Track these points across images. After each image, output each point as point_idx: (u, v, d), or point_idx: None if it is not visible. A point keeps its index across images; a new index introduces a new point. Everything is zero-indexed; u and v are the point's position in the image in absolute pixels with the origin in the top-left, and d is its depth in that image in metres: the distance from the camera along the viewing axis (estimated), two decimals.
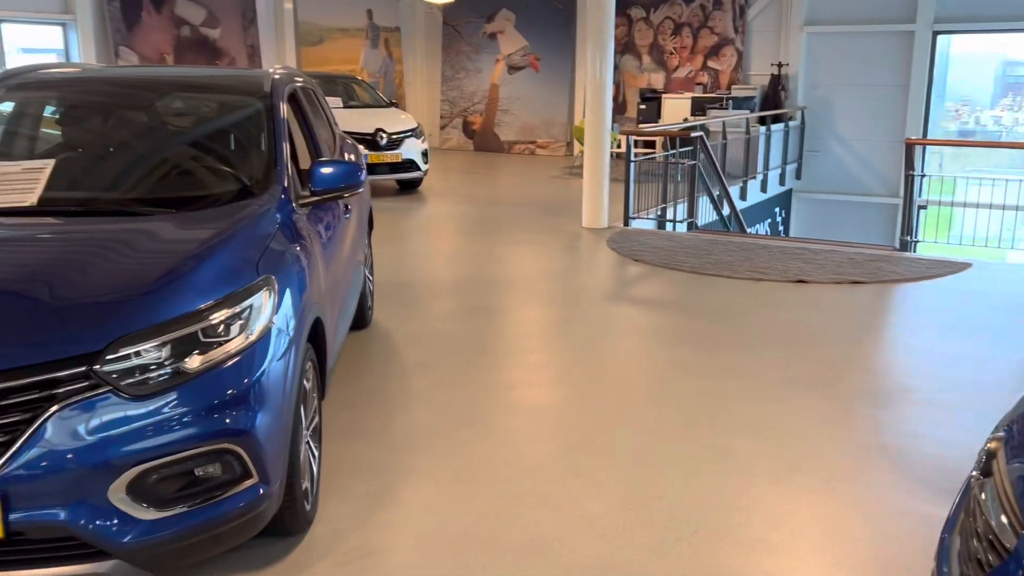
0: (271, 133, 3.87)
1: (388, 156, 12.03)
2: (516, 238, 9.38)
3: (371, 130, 11.92)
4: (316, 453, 3.51)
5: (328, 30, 18.13)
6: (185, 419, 2.57)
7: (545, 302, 6.86)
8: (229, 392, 2.67)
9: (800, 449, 4.14)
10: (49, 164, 3.46)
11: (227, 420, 2.64)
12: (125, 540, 2.50)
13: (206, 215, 3.33)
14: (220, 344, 2.70)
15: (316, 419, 3.53)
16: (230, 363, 2.69)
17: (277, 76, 4.33)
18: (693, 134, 10.52)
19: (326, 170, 3.81)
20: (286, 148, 3.84)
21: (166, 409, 2.54)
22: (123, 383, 2.50)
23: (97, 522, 2.46)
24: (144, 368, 2.55)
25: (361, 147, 11.65)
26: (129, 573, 2.53)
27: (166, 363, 2.59)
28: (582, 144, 14.89)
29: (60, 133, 4.05)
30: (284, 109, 4.06)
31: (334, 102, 12.71)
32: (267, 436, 2.76)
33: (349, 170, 3.85)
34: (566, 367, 5.32)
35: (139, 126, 4.05)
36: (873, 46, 15.68)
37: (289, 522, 3.15)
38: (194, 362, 2.62)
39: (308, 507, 3.30)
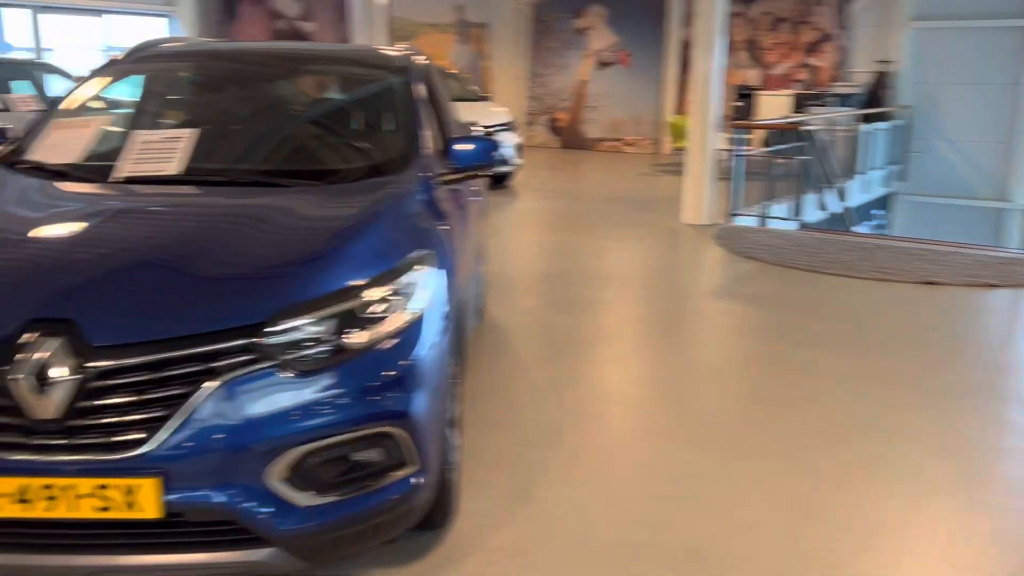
0: (409, 108, 3.69)
1: None
2: (615, 233, 9.11)
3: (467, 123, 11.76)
4: (458, 443, 3.31)
5: (419, 25, 18.12)
6: (345, 399, 2.38)
7: (660, 297, 6.57)
8: (389, 372, 2.47)
9: (972, 461, 3.78)
10: (191, 133, 3.34)
11: (387, 402, 2.45)
12: (284, 527, 2.32)
13: (351, 188, 3.16)
14: (380, 321, 2.51)
15: (457, 407, 3.33)
16: (390, 342, 2.50)
17: (411, 52, 4.16)
18: (807, 127, 10.08)
19: (464, 147, 3.62)
20: (426, 123, 3.65)
21: (325, 388, 2.36)
22: (284, 358, 2.32)
23: (255, 506, 2.29)
24: (305, 343, 2.37)
25: None
26: (286, 562, 2.35)
27: (327, 339, 2.40)
28: (676, 140, 14.54)
29: (195, 104, 3.94)
30: (421, 84, 3.89)
31: None
32: (425, 421, 2.56)
33: (486, 147, 3.65)
34: (694, 364, 5.03)
35: (275, 99, 3.92)
36: (984, 42, 14.91)
37: (436, 514, 2.95)
38: (355, 339, 2.43)
39: (453, 499, 3.10)
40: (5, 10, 13.62)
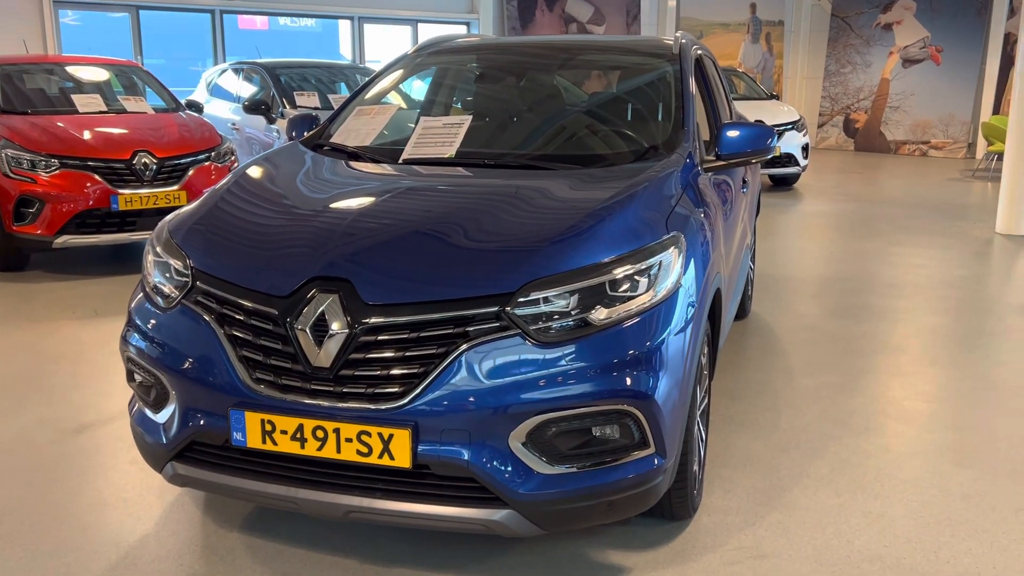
0: (679, 94, 3.66)
1: None
2: (911, 240, 8.38)
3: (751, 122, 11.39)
4: (704, 436, 3.23)
5: (708, 25, 17.86)
6: (586, 373, 2.41)
7: (958, 310, 5.95)
8: (632, 351, 2.47)
9: None
10: (466, 120, 3.55)
11: (628, 380, 2.44)
12: (521, 491, 2.40)
13: (612, 171, 3.20)
14: (626, 300, 2.51)
15: (706, 400, 3.24)
16: (635, 321, 2.50)
17: (684, 41, 4.12)
18: None
19: (733, 133, 3.52)
20: (694, 109, 3.60)
21: (568, 360, 2.41)
22: (531, 328, 2.41)
23: (497, 467, 2.39)
24: (551, 315, 2.44)
25: None
26: (521, 526, 2.43)
27: (572, 312, 2.45)
28: (993, 143, 13.08)
29: (474, 94, 4.19)
30: (692, 71, 3.84)
31: None
32: (667, 405, 2.53)
33: (759, 134, 3.53)
34: (990, 386, 4.50)
35: (547, 88, 4.06)
36: None
37: (676, 505, 2.91)
38: (599, 314, 2.46)
39: (695, 492, 3.03)
40: (338, 22, 15.39)
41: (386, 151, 3.54)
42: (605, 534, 2.95)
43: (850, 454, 3.62)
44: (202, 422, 2.57)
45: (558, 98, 4.01)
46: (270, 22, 23.28)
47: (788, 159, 11.66)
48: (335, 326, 2.41)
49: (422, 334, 2.40)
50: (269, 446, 2.48)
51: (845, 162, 15.97)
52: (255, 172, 3.28)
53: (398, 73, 4.14)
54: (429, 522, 2.47)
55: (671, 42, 4.10)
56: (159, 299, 2.73)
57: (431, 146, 3.45)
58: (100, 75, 8.16)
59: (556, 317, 2.44)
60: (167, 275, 2.76)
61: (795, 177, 12.23)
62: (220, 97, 10.48)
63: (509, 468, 2.41)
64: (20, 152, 6.49)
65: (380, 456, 2.40)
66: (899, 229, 8.98)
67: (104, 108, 7.45)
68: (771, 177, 12.28)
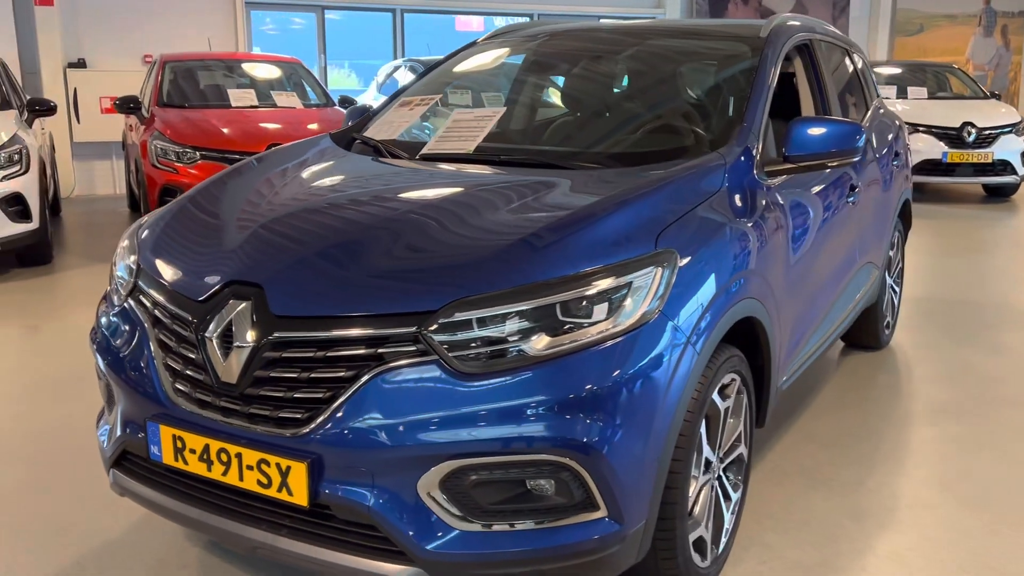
0: (749, 84, 3.08)
1: (974, 155, 10.05)
2: None
3: (957, 124, 10.07)
4: (732, 495, 2.67)
5: (931, 17, 16.09)
6: (513, 414, 1.99)
7: None
8: (584, 389, 2.02)
9: None
10: (497, 113, 3.19)
11: (567, 427, 2.00)
12: (429, 547, 2.02)
13: (632, 172, 2.71)
14: (578, 327, 2.06)
15: (740, 450, 2.68)
16: (588, 353, 2.04)
17: (780, 23, 3.50)
18: None
19: (812, 130, 2.91)
20: (764, 103, 3.02)
21: (493, 396, 2.00)
22: (451, 355, 2.02)
23: (402, 517, 2.03)
24: (479, 341, 2.04)
25: (942, 143, 9.99)
26: None
27: (508, 339, 2.04)
28: None
29: (518, 85, 3.79)
30: (777, 60, 3.24)
31: (917, 92, 11.14)
32: (625, 460, 2.05)
33: (840, 132, 2.90)
34: None
35: (599, 79, 3.60)
36: None
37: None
38: (539, 343, 2.03)
39: (704, 563, 2.50)
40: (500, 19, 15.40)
41: (409, 146, 3.24)
42: None
43: (943, 531, 2.90)
44: (130, 431, 2.41)
45: (607, 90, 3.53)
46: (485, 23, 23.78)
47: (1004, 166, 10.21)
48: (242, 338, 2.15)
49: (329, 353, 2.08)
50: (181, 465, 2.26)
51: None
52: (244, 167, 3.09)
53: (455, 62, 3.83)
54: (332, 571, 2.15)
55: (764, 26, 3.50)
56: (114, 296, 2.61)
57: (455, 140, 3.12)
58: (261, 72, 8.50)
59: (485, 344, 2.04)
60: (128, 271, 2.62)
61: (1013, 188, 10.72)
62: (388, 94, 10.69)
63: (417, 519, 2.04)
64: (167, 144, 6.83)
65: (279, 490, 2.11)
66: None
67: (255, 103, 7.72)
68: (984, 187, 10.85)
